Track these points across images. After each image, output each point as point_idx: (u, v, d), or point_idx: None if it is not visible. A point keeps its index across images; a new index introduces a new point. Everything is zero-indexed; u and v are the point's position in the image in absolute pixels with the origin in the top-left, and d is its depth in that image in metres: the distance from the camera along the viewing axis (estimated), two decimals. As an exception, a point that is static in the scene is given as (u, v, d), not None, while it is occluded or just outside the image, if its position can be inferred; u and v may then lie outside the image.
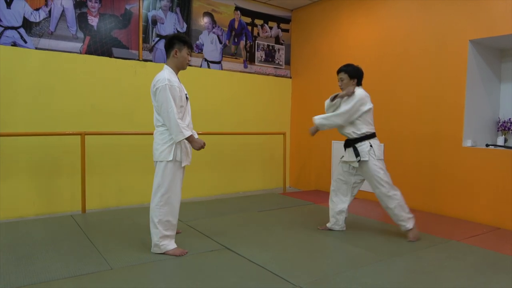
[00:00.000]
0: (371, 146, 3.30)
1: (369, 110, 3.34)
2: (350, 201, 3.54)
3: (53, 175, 4.29)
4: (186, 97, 2.95)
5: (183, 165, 2.87)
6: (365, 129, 3.32)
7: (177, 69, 2.94)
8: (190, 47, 2.95)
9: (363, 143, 3.32)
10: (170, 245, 2.89)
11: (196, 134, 2.98)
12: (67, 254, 2.87)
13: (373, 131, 3.38)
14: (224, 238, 3.29)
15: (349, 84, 3.40)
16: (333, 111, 3.43)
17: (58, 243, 3.11)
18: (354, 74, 3.40)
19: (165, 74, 2.81)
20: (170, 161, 2.81)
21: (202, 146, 2.86)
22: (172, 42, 2.89)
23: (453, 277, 2.55)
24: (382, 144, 3.54)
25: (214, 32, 5.44)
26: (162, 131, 2.86)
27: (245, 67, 5.77)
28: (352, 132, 3.35)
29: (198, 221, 3.83)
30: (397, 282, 2.47)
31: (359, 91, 3.35)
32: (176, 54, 2.89)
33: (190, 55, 2.99)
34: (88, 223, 3.77)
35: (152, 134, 4.70)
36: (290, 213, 4.26)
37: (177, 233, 3.07)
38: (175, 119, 2.73)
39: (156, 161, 2.87)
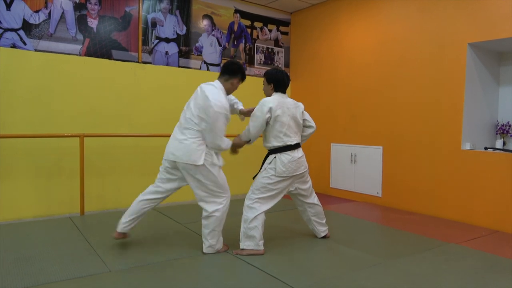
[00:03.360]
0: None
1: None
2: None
3: (52, 177, 4.28)
4: None
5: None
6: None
7: (227, 92, 3.04)
8: (243, 79, 3.14)
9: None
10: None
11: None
12: (66, 256, 2.86)
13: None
14: (223, 240, 3.28)
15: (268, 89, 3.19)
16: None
17: (56, 245, 3.10)
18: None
19: (222, 97, 2.91)
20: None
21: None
22: (238, 72, 3.04)
23: (451, 280, 2.55)
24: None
25: (213, 35, 5.45)
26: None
27: (245, 69, 5.77)
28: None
29: (197, 224, 3.82)
30: (396, 285, 2.46)
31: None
32: (234, 83, 3.05)
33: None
34: (87, 225, 3.76)
35: (150, 136, 4.73)
36: (288, 216, 4.25)
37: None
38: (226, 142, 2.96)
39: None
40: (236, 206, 4.47)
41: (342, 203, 5.03)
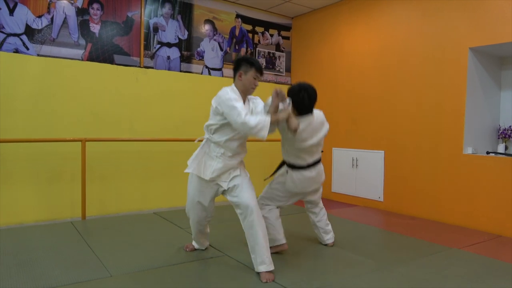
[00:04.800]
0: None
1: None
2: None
3: (54, 181, 4.29)
4: None
5: (191, 171, 2.81)
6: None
7: (243, 92, 2.70)
8: (258, 70, 2.68)
9: None
10: None
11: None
12: (67, 260, 2.86)
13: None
14: (224, 245, 3.28)
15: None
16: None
17: (57, 250, 3.10)
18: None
19: (228, 89, 2.65)
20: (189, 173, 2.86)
21: (294, 128, 2.67)
22: (239, 63, 2.72)
23: (453, 285, 2.53)
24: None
25: (215, 40, 5.47)
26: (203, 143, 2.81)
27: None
28: None
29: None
30: (398, 290, 2.45)
31: None
32: (240, 76, 2.69)
33: (257, 79, 2.70)
34: (88, 230, 3.76)
35: (152, 140, 4.74)
36: (290, 220, 4.24)
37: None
38: (246, 119, 2.49)
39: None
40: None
41: (343, 208, 5.02)
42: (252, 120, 2.48)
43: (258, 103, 2.81)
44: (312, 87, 2.91)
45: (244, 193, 2.68)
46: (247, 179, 2.78)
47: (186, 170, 2.81)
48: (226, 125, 2.67)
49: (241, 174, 2.77)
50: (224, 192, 2.78)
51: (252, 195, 2.70)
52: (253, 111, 2.75)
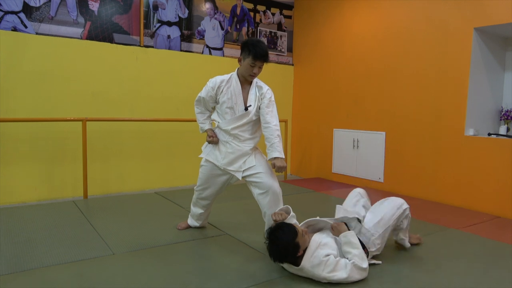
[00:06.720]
0: None
1: None
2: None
3: (55, 161, 4.30)
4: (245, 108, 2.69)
5: (204, 157, 2.88)
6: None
7: (243, 77, 2.70)
8: (255, 57, 2.55)
9: None
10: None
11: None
12: (69, 239, 2.89)
13: None
14: (224, 224, 3.32)
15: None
16: None
17: (60, 229, 3.13)
18: None
19: (215, 78, 2.74)
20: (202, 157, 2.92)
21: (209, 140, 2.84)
22: (242, 47, 2.64)
23: (451, 265, 2.56)
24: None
25: (216, 18, 5.39)
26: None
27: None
28: None
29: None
30: (395, 269, 2.48)
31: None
32: (240, 61, 2.67)
33: (256, 67, 2.60)
34: (90, 209, 3.79)
35: (152, 120, 4.74)
36: (290, 201, 4.25)
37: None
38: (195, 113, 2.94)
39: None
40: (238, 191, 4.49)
41: (344, 188, 5.04)
42: (196, 111, 2.93)
43: (265, 94, 2.70)
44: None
45: (266, 174, 2.67)
46: (264, 164, 2.72)
47: (201, 155, 2.89)
48: (220, 112, 2.78)
49: (257, 163, 2.71)
50: (243, 177, 2.76)
51: (274, 176, 2.71)
52: (259, 101, 2.70)
